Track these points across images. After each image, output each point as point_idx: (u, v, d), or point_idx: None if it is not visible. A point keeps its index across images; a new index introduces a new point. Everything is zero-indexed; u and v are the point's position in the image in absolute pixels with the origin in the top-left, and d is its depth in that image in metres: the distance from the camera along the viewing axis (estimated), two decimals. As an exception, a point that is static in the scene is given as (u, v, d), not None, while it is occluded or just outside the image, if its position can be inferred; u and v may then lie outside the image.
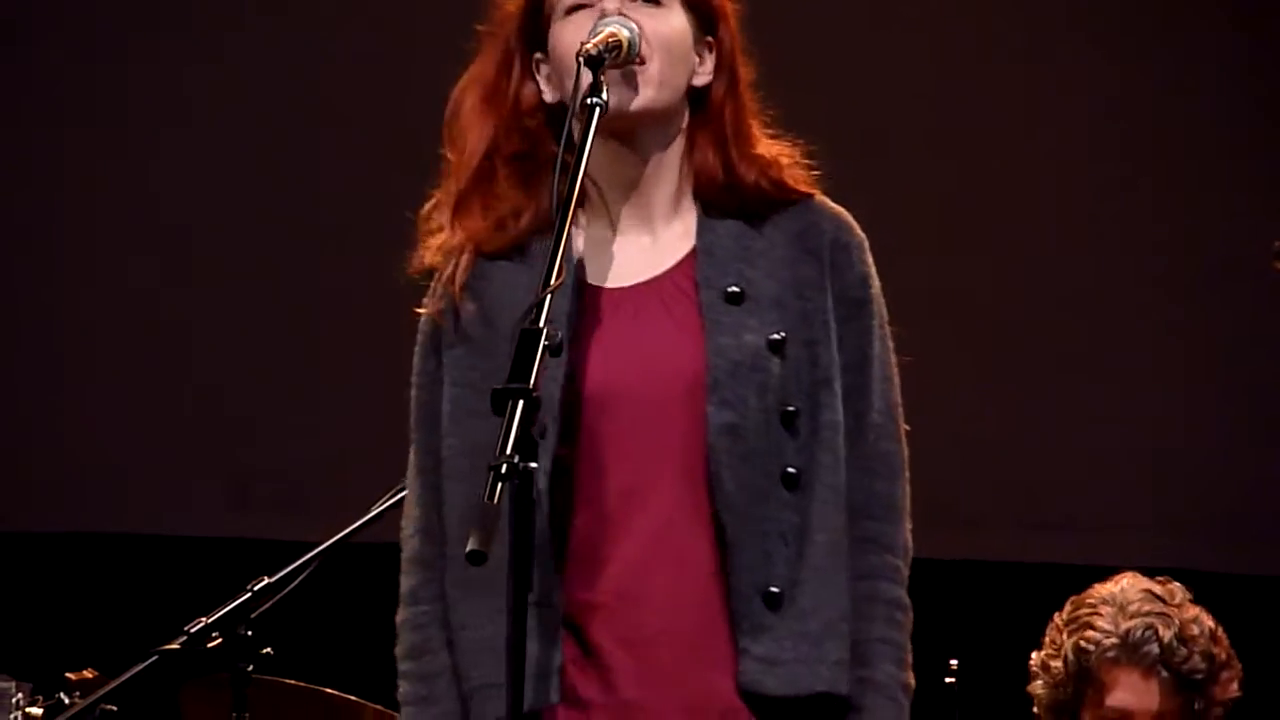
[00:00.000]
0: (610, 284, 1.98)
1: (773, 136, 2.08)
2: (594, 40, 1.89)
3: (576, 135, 1.86)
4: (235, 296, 5.27)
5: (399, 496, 2.46)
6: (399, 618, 2.03)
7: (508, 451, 1.65)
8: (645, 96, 1.95)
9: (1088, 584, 3.42)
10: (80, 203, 5.34)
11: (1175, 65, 5.30)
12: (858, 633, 1.96)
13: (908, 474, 2.08)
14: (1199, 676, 3.27)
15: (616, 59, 1.92)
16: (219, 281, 5.26)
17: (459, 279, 1.98)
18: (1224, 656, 3.30)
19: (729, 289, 1.94)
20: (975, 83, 5.24)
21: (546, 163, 1.98)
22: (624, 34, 1.92)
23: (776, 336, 1.93)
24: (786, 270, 1.98)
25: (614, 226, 2.01)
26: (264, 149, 5.29)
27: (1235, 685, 3.34)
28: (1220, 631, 3.32)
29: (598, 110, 1.84)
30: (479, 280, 1.99)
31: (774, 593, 1.90)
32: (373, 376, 4.08)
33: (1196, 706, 3.31)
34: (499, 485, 1.65)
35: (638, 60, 1.94)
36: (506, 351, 1.79)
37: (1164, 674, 3.25)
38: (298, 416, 4.99)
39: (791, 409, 1.93)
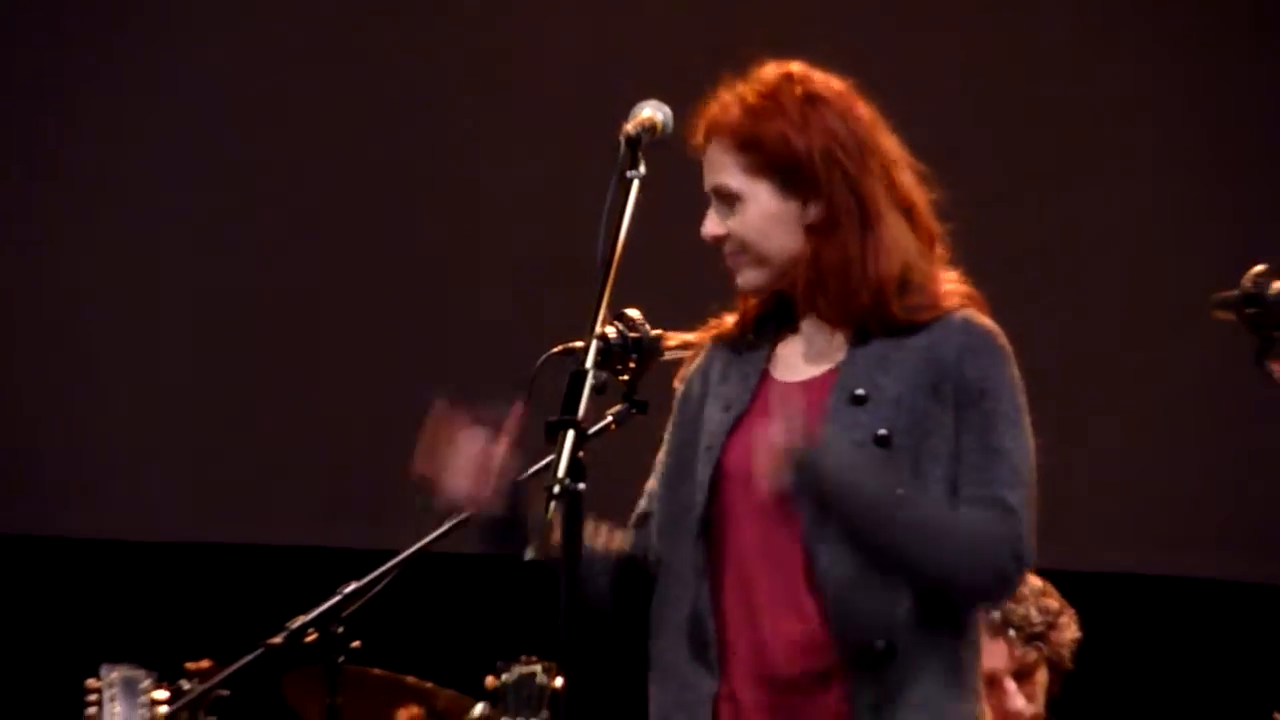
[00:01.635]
0: (779, 377, 2.23)
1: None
2: (633, 122, 2.14)
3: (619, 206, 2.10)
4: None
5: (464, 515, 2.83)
6: None
7: (560, 475, 1.90)
8: (747, 277, 2.20)
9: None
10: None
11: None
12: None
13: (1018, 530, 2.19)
14: (1038, 628, 3.59)
15: (653, 136, 2.16)
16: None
17: (685, 370, 2.34)
18: (1056, 605, 3.63)
19: (855, 391, 2.14)
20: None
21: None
22: (658, 117, 2.17)
23: (883, 432, 2.12)
24: (915, 376, 2.16)
25: (802, 329, 2.24)
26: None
27: (1074, 627, 3.66)
28: (1049, 586, 3.64)
29: (635, 181, 2.11)
30: (699, 371, 2.32)
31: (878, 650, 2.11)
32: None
33: (1047, 653, 3.62)
34: (552, 504, 1.90)
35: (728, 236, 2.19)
36: (694, 428, 2.21)
37: (1010, 633, 3.56)
38: (382, 433, 5.14)
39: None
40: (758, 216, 2.19)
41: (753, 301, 2.30)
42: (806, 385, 2.20)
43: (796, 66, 2.33)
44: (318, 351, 5.48)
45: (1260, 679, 4.20)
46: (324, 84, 5.54)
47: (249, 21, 5.54)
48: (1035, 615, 3.60)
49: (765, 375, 2.24)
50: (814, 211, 2.19)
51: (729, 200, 2.22)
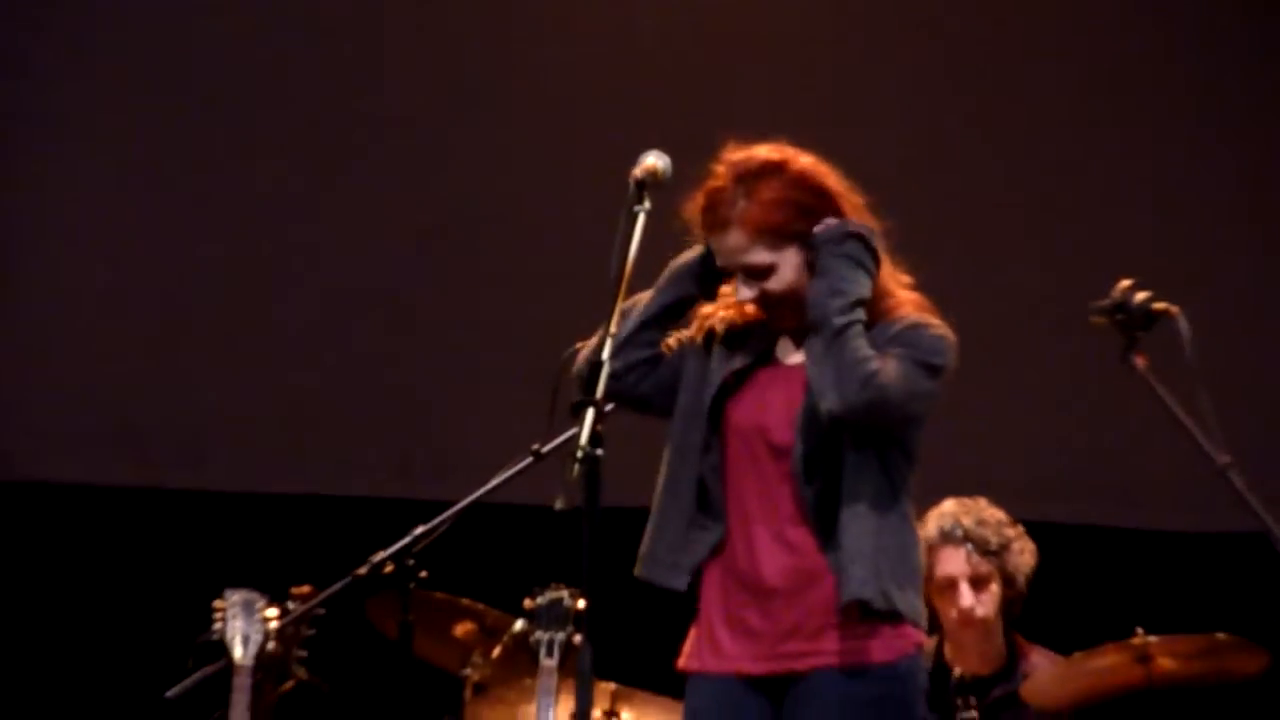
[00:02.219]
0: (779, 361, 2.72)
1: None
2: (640, 168, 2.52)
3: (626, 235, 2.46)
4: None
5: (519, 467, 3.42)
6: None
7: (582, 443, 2.25)
8: (765, 305, 2.64)
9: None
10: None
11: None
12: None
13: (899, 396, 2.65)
14: (994, 547, 4.10)
15: (655, 179, 2.52)
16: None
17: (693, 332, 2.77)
18: (1013, 533, 4.16)
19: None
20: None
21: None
22: (660, 165, 2.54)
23: None
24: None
25: (789, 330, 2.71)
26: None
27: (1029, 555, 4.17)
28: (1014, 521, 4.18)
29: (641, 215, 2.46)
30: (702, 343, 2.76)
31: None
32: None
33: (1000, 568, 4.12)
34: (576, 466, 2.23)
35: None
36: (697, 393, 2.66)
37: (969, 546, 4.07)
38: (454, 394, 5.52)
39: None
40: (790, 274, 2.65)
41: (751, 309, 2.75)
42: (791, 369, 2.70)
43: (777, 153, 2.78)
44: (405, 328, 5.77)
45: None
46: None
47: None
48: (993, 538, 4.10)
49: (771, 355, 2.72)
50: (809, 253, 2.65)
51: (761, 272, 2.65)
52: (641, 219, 2.54)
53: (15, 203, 5.94)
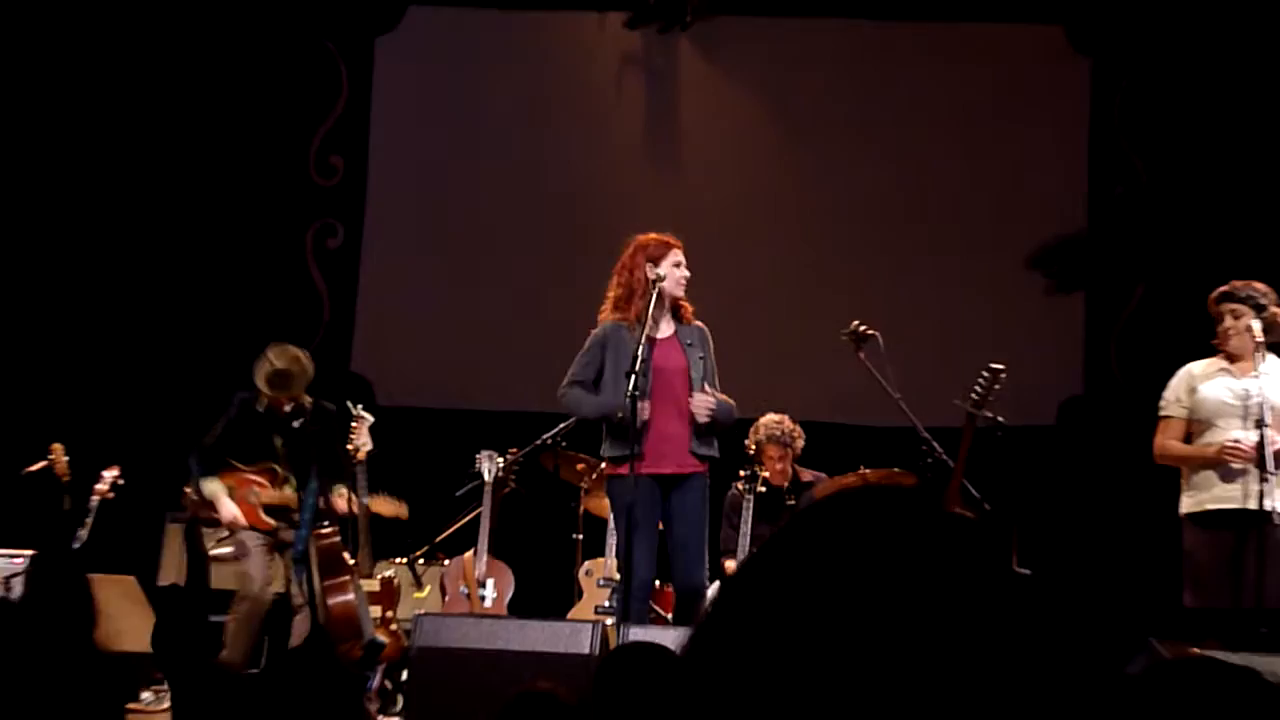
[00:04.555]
0: (658, 336, 5.22)
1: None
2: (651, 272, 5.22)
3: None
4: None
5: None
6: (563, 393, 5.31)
7: (631, 389, 4.99)
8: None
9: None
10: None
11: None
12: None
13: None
14: (788, 440, 6.35)
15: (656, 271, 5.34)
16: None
17: (608, 332, 5.20)
18: (796, 432, 6.35)
19: (687, 342, 5.27)
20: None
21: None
22: (660, 273, 5.17)
23: (702, 356, 5.26)
24: (700, 339, 5.29)
25: (660, 321, 5.20)
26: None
27: (800, 440, 6.32)
28: (794, 422, 6.33)
29: (658, 284, 5.15)
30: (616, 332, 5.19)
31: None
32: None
33: (790, 447, 6.34)
34: (630, 403, 5.02)
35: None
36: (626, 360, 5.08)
37: (778, 439, 6.36)
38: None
39: (704, 377, 5.24)
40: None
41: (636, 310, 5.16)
42: (672, 339, 5.24)
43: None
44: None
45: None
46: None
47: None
48: (786, 436, 6.40)
49: (651, 339, 5.09)
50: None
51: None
52: (658, 287, 5.42)
53: (387, 232, 7.91)
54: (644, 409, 5.12)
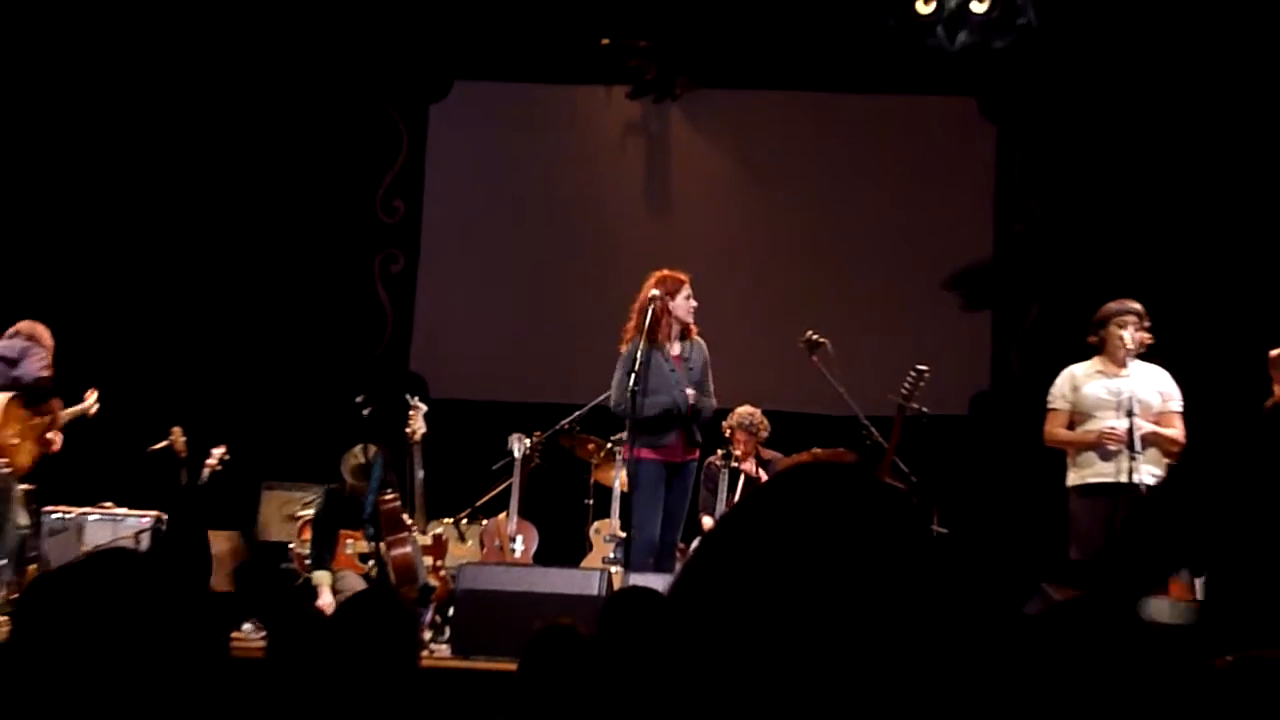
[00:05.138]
0: (674, 354, 5.33)
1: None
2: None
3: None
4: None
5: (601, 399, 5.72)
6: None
7: (633, 385, 5.28)
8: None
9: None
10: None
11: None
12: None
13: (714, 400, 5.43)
14: (755, 428, 6.28)
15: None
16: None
17: (640, 351, 5.25)
18: (762, 422, 6.32)
19: (687, 357, 5.41)
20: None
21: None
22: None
23: (692, 367, 5.41)
24: (695, 352, 5.43)
25: (670, 341, 5.34)
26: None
27: (765, 429, 6.34)
28: (762, 413, 6.32)
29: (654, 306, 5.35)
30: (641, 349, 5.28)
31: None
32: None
33: (755, 436, 6.31)
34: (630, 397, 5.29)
35: None
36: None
37: (749, 428, 6.30)
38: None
39: (701, 383, 5.44)
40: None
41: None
42: (676, 356, 5.37)
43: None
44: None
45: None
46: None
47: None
48: (755, 424, 6.35)
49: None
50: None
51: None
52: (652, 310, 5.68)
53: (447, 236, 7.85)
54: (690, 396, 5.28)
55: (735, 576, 0.94)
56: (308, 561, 5.82)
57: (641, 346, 5.28)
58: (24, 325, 5.84)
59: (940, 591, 0.96)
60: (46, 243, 7.46)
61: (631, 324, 5.37)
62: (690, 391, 5.32)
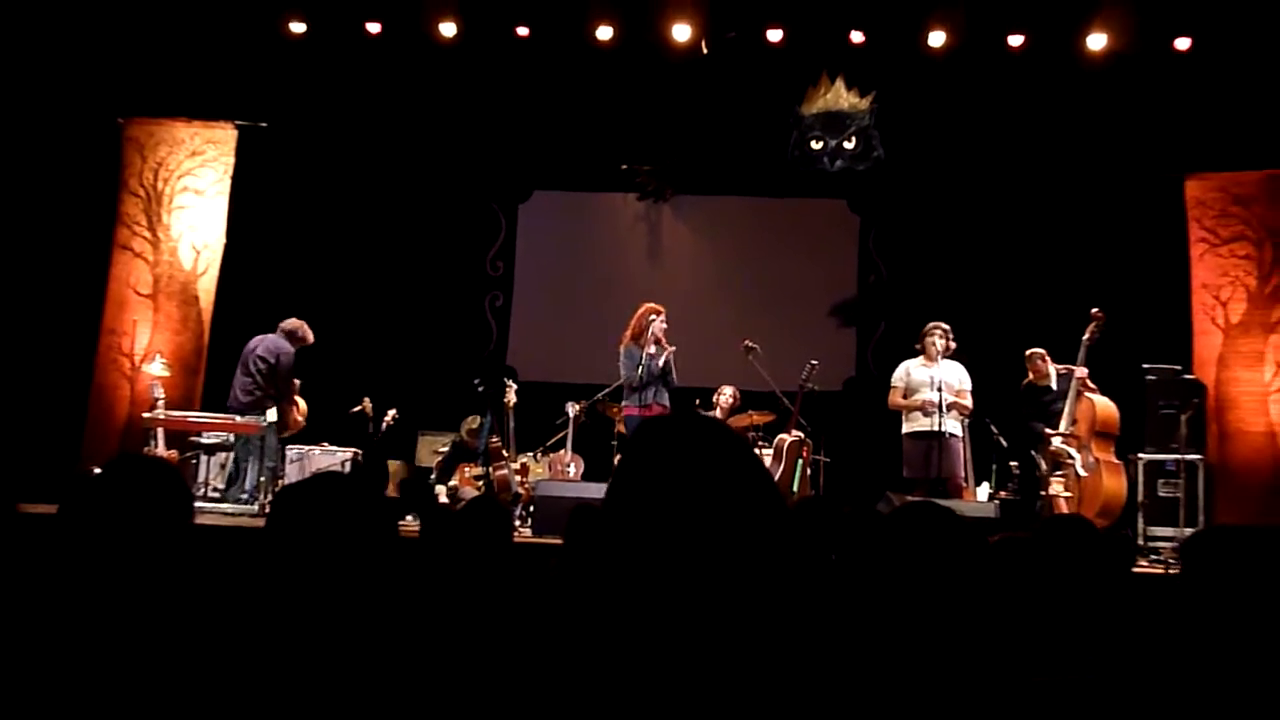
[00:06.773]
0: (652, 353, 5.07)
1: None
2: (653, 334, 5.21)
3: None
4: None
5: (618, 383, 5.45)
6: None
7: (641, 374, 5.25)
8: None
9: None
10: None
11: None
12: None
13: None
14: (731, 402, 5.85)
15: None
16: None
17: (644, 350, 5.07)
18: (733, 397, 5.82)
19: (654, 355, 4.98)
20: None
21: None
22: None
23: (661, 363, 5.09)
24: (664, 355, 5.06)
25: (648, 345, 5.16)
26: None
27: (734, 398, 5.79)
28: (736, 389, 5.79)
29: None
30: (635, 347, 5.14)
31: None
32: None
33: (730, 407, 5.80)
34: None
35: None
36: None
37: (730, 397, 5.86)
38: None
39: (665, 371, 5.19)
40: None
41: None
42: (654, 355, 5.09)
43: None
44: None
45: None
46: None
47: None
48: (727, 401, 5.93)
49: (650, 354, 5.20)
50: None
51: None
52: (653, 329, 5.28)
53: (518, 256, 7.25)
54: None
55: (627, 494, 0.86)
56: (432, 479, 5.88)
57: (632, 349, 5.20)
58: (289, 321, 5.72)
59: (767, 497, 0.83)
60: (305, 285, 7.20)
61: (627, 334, 5.24)
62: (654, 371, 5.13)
